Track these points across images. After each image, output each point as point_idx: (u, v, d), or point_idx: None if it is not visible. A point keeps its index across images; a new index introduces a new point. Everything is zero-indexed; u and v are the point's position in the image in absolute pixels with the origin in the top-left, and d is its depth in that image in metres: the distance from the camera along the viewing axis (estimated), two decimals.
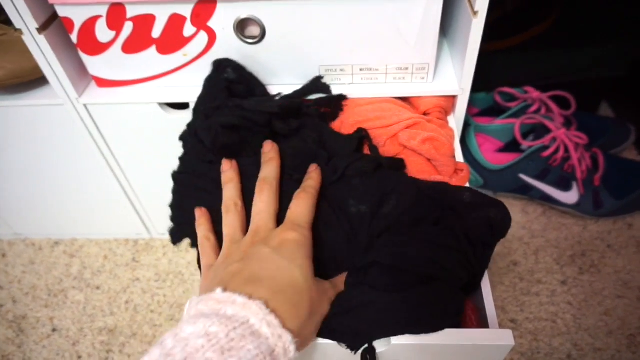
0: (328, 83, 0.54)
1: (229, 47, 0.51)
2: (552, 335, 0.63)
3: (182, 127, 0.59)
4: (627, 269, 0.69)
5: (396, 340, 0.35)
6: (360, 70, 0.53)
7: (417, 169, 0.48)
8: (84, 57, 0.53)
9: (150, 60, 0.53)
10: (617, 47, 0.78)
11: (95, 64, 0.54)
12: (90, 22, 0.50)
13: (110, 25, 0.50)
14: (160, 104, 0.56)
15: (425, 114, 0.53)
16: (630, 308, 0.65)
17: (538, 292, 0.68)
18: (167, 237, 0.78)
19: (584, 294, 0.67)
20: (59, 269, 0.76)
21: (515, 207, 0.78)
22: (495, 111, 0.81)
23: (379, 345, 0.35)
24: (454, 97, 0.55)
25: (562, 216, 0.76)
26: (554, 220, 0.76)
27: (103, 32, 0.51)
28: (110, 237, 0.79)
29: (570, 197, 0.74)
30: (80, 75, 0.56)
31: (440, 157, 0.48)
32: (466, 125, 0.78)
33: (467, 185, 0.49)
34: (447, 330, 0.36)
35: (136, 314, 0.69)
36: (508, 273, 0.70)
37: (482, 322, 0.41)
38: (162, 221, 0.76)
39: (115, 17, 0.49)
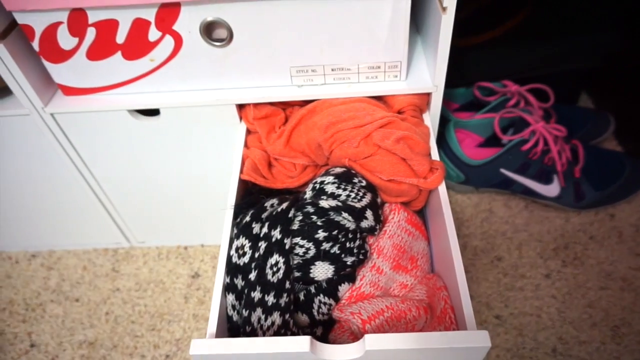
0: (300, 84, 0.53)
1: (196, 50, 0.50)
2: (537, 330, 0.63)
3: (153, 133, 0.58)
4: (609, 260, 0.69)
5: (370, 346, 0.34)
6: (332, 70, 0.52)
7: (392, 169, 0.47)
8: (48, 65, 0.52)
9: (116, 66, 0.52)
10: (592, 38, 0.78)
11: (60, 72, 0.52)
12: (51, 29, 0.48)
13: (72, 32, 0.48)
14: (130, 111, 0.55)
15: (399, 112, 0.53)
16: (614, 299, 0.65)
17: (522, 286, 0.67)
18: (147, 245, 0.77)
19: (568, 286, 0.67)
20: (36, 282, 0.74)
21: (498, 202, 0.78)
22: (475, 106, 0.81)
23: (354, 353, 0.35)
24: (428, 95, 0.54)
25: (544, 209, 0.76)
26: (537, 214, 0.76)
27: (65, 39, 0.49)
28: (88, 247, 0.77)
29: (552, 190, 0.74)
30: (46, 84, 0.54)
31: (414, 155, 0.47)
32: (446, 121, 0.78)
33: (443, 184, 0.48)
34: (423, 334, 0.35)
35: (117, 325, 0.68)
36: (492, 269, 0.70)
37: (462, 321, 0.40)
38: (141, 229, 0.74)
39: (77, 23, 0.48)
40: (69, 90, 0.54)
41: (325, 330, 0.46)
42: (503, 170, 0.74)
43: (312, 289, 0.46)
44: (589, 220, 0.74)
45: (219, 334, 0.40)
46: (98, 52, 0.50)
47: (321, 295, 0.45)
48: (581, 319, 0.63)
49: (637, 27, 0.77)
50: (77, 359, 0.65)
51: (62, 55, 0.50)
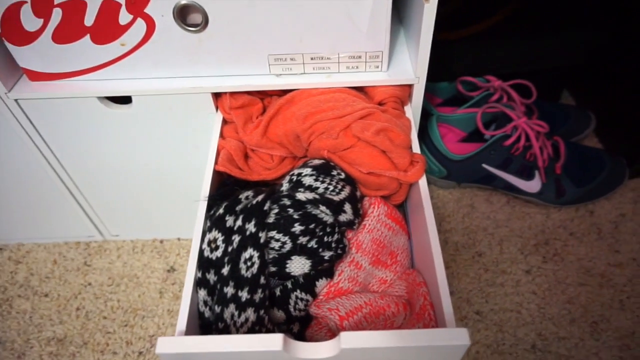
0: (278, 73, 0.51)
1: (170, 35, 0.48)
2: (517, 326, 0.63)
3: (125, 122, 0.55)
4: (589, 256, 0.69)
5: (346, 344, 0.33)
6: (312, 59, 0.50)
7: (371, 161, 0.46)
8: (11, 47, 0.49)
9: (85, 50, 0.49)
10: (576, 36, 0.78)
11: (24, 56, 0.50)
12: (14, 9, 0.45)
13: (37, 12, 0.46)
14: (100, 98, 0.53)
15: (380, 104, 0.51)
16: (593, 295, 0.65)
17: (503, 282, 0.67)
18: (121, 238, 0.75)
19: (548, 282, 0.67)
20: (3, 276, 0.71)
21: (480, 197, 0.77)
22: (458, 101, 0.80)
23: (329, 351, 0.33)
24: (410, 87, 0.53)
25: (525, 205, 0.76)
26: (518, 210, 0.75)
27: (29, 20, 0.46)
28: (59, 241, 0.75)
29: (533, 185, 0.73)
30: (9, 68, 0.52)
31: (394, 148, 0.46)
32: (429, 115, 0.77)
33: (424, 177, 0.47)
34: (400, 331, 0.34)
35: (88, 321, 0.66)
36: (473, 264, 0.69)
37: (441, 318, 0.39)
38: (115, 222, 0.72)
39: (42, 3, 0.45)
40: (35, 75, 0.52)
41: (302, 327, 0.45)
42: (485, 166, 0.73)
43: (289, 285, 0.44)
44: (569, 217, 0.74)
45: (190, 332, 0.38)
46: (65, 34, 0.48)
47: (298, 291, 0.44)
48: (560, 315, 0.63)
49: (622, 25, 0.77)
50: (45, 356, 0.62)
51: (26, 37, 0.48)
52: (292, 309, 0.44)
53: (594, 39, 0.79)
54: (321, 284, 0.45)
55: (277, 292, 0.44)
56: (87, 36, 0.48)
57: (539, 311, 0.64)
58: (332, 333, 0.44)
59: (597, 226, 0.73)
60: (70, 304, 0.67)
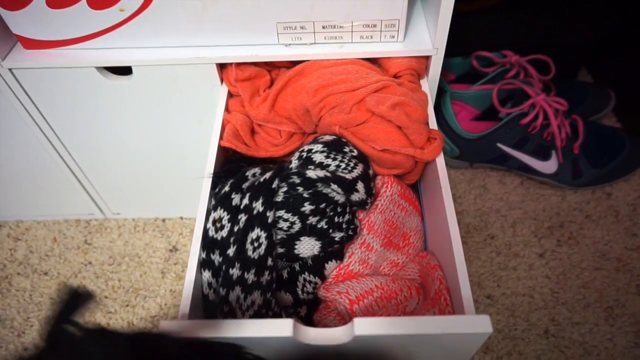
0: (287, 43, 0.48)
1: (172, 0, 0.45)
2: (530, 311, 0.61)
3: (125, 94, 0.53)
4: (605, 240, 0.67)
5: (360, 331, 0.31)
6: (323, 27, 0.47)
7: (386, 138, 0.43)
8: (4, 12, 0.46)
9: (81, 16, 0.46)
10: (597, 9, 0.74)
11: (18, 21, 0.47)
12: None
13: None
14: (98, 68, 0.50)
15: (395, 76, 0.48)
16: (608, 280, 0.63)
17: (515, 266, 0.65)
18: (122, 216, 0.73)
19: (562, 266, 0.65)
20: (2, 254, 0.69)
21: (493, 178, 0.75)
22: (472, 77, 0.77)
23: (341, 337, 0.31)
24: (427, 58, 0.50)
25: (540, 186, 0.73)
26: (532, 191, 0.73)
27: None
28: (59, 218, 0.73)
29: (549, 166, 0.70)
30: (3, 35, 0.49)
31: (411, 123, 0.43)
32: (442, 92, 0.74)
33: (441, 155, 0.44)
34: (419, 318, 0.32)
35: None
36: (485, 247, 0.67)
37: (458, 304, 0.37)
38: (116, 199, 0.70)
39: None
40: (30, 43, 0.49)
41: (309, 311, 0.43)
42: (500, 145, 0.70)
43: (297, 267, 0.42)
44: (586, 199, 0.71)
45: (193, 315, 0.37)
46: None
47: (306, 273, 0.42)
48: (575, 300, 0.61)
49: None
50: None
51: (19, 1, 0.45)
52: (300, 292, 0.42)
53: (615, 14, 0.76)
54: (330, 266, 0.43)
55: (285, 275, 0.42)
56: (84, 0, 0.45)
57: (552, 296, 0.62)
58: (341, 317, 0.42)
59: (614, 209, 0.70)
60: (70, 283, 0.66)
